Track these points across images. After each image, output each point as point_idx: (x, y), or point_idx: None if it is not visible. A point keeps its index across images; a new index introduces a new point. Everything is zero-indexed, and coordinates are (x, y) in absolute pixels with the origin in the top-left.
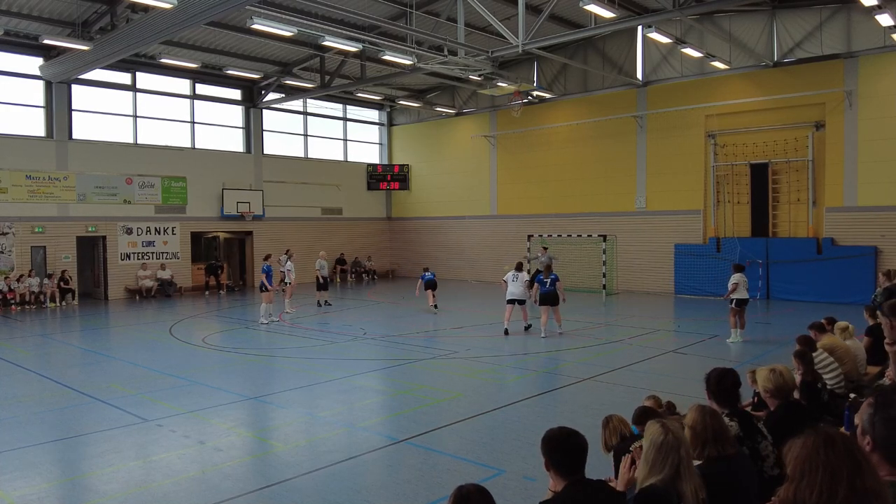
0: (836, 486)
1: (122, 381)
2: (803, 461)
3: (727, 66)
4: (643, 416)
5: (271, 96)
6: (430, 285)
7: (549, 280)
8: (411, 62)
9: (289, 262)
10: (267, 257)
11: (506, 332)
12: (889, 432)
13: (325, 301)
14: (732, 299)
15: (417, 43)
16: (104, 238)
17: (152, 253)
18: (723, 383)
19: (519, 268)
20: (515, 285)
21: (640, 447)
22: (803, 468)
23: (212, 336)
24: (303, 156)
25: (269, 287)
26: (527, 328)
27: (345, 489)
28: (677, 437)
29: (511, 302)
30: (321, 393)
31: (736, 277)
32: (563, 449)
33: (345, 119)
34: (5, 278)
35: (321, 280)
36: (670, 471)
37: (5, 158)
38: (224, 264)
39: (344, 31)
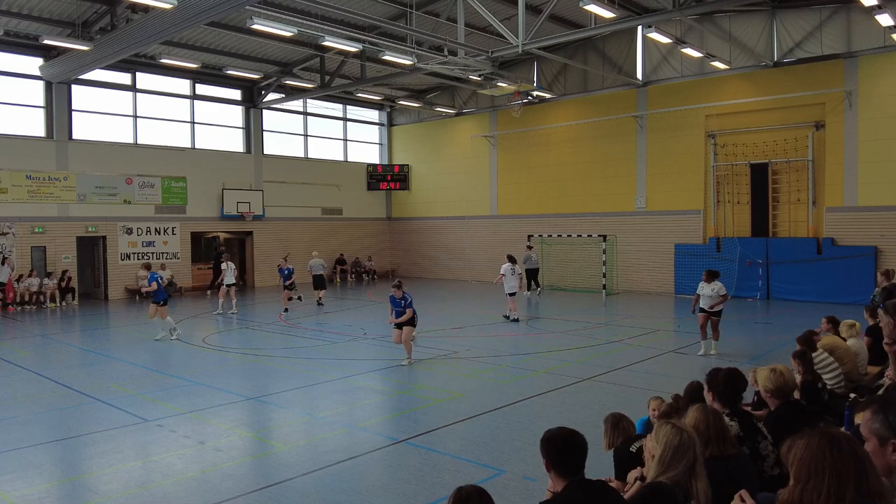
0: (843, 489)
1: (122, 381)
2: (809, 463)
3: (727, 66)
4: (696, 391)
5: (271, 96)
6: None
7: (403, 300)
8: (411, 62)
9: (222, 264)
10: (147, 266)
11: (517, 320)
12: None
13: (319, 299)
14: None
15: (417, 43)
16: (104, 238)
17: (152, 253)
18: (730, 383)
19: (514, 261)
20: (514, 278)
21: (643, 446)
22: (809, 470)
23: (212, 336)
24: (303, 156)
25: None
26: (516, 320)
27: (345, 489)
28: (691, 436)
29: (512, 294)
30: (321, 393)
31: (722, 287)
32: (563, 449)
33: (345, 119)
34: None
35: (316, 279)
36: (684, 469)
37: (5, 158)
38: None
39: (344, 32)
